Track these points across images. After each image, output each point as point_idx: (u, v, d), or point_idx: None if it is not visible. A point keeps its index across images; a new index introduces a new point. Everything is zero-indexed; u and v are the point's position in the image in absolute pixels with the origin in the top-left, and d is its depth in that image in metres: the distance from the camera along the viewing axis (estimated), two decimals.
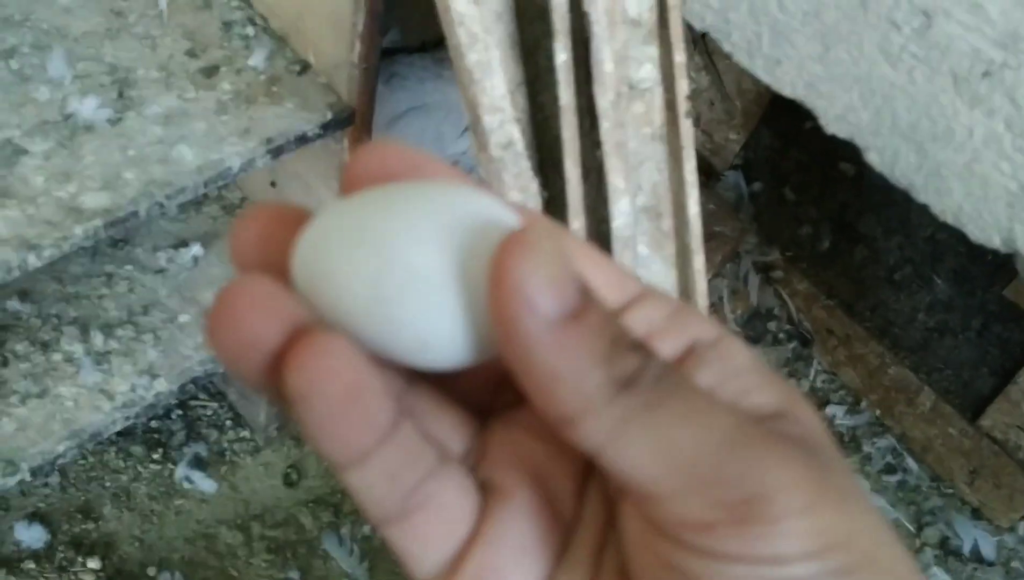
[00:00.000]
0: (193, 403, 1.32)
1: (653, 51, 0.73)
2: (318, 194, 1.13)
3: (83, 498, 1.23)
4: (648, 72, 0.74)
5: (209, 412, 1.32)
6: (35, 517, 1.20)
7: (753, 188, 1.56)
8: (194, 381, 1.11)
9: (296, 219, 0.26)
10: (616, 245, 0.73)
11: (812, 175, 1.48)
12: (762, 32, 0.74)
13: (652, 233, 0.77)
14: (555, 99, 0.76)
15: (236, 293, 0.23)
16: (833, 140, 0.78)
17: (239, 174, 0.95)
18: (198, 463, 1.28)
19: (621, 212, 0.72)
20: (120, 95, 0.95)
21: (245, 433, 1.32)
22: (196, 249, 1.18)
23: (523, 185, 0.68)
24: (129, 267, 1.16)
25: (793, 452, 0.23)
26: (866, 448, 1.44)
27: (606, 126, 0.70)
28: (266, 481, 1.29)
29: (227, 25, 1.05)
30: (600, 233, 0.77)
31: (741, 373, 0.26)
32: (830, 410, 1.46)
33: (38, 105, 0.92)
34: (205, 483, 1.26)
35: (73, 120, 0.92)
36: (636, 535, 0.24)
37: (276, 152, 0.97)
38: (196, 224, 1.22)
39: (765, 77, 0.76)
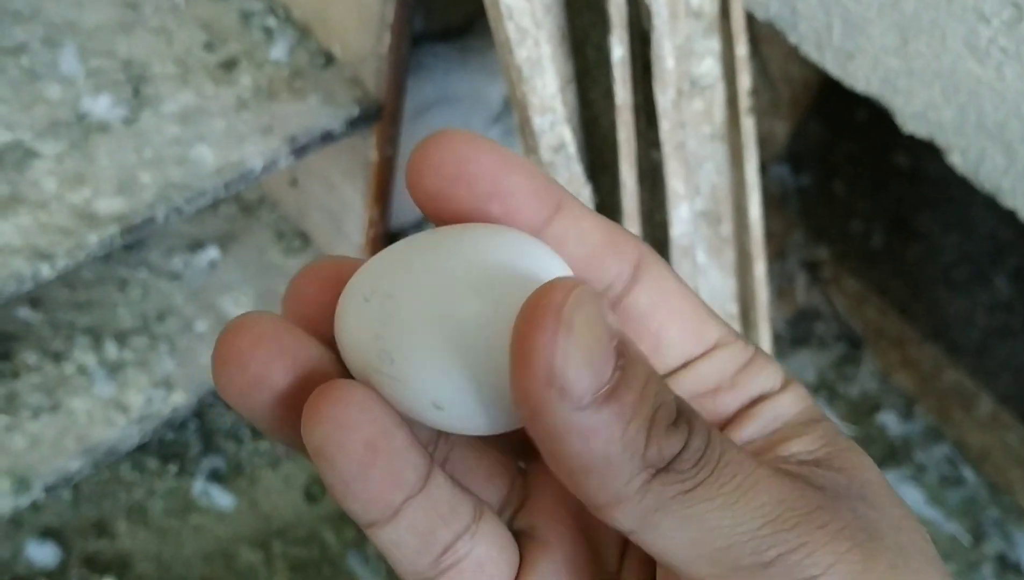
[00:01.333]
0: (210, 414, 1.26)
1: (714, 44, 0.66)
2: (342, 194, 1.07)
3: (97, 514, 1.18)
4: (709, 67, 0.67)
5: (227, 423, 1.26)
6: (47, 534, 1.15)
7: (800, 181, 1.48)
8: (212, 392, 1.05)
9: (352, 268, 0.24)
10: (675, 254, 0.66)
11: (864, 168, 1.41)
12: (833, 23, 0.67)
13: (710, 239, 0.70)
14: (605, 96, 0.69)
15: (240, 330, 0.22)
16: (888, 131, 0.72)
17: (261, 176, 0.89)
18: (216, 477, 1.22)
19: (680, 218, 0.65)
20: (135, 93, 0.89)
21: (264, 445, 1.26)
22: (213, 252, 1.12)
23: (575, 190, 0.61)
24: (143, 271, 1.10)
25: (838, 526, 0.21)
26: (920, 457, 1.37)
27: (666, 126, 0.63)
28: (287, 496, 1.23)
29: (246, 16, 0.98)
30: (655, 240, 0.71)
31: (791, 420, 0.25)
32: (881, 417, 1.39)
33: (49, 104, 0.86)
34: (223, 498, 1.21)
35: (86, 120, 0.86)
36: None
37: (300, 151, 0.90)
38: (212, 225, 1.16)
39: (836, 71, 0.69)
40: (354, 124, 0.93)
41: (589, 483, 0.21)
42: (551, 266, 0.23)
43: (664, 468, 0.21)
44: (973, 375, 1.36)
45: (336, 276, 0.24)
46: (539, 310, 0.19)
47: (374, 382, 0.23)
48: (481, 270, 0.22)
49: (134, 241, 0.95)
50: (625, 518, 0.21)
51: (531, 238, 0.23)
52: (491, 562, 0.24)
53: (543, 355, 0.19)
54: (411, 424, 0.23)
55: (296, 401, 0.22)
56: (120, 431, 0.99)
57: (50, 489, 0.96)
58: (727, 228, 0.71)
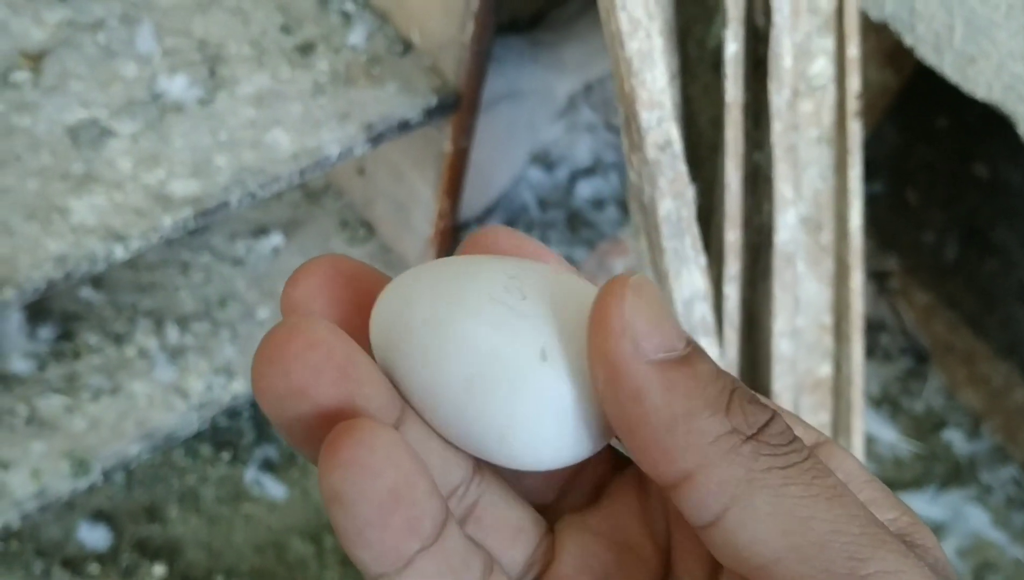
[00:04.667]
0: None
1: (829, 43, 0.63)
2: (411, 185, 1.05)
3: (149, 499, 1.16)
4: (822, 67, 0.64)
5: None
6: (99, 517, 1.14)
7: (872, 189, 1.45)
8: None
9: (358, 275, 0.24)
10: (778, 261, 0.64)
11: (940, 177, 1.37)
12: (955, 24, 0.64)
13: (809, 247, 0.68)
14: (704, 93, 0.67)
15: (292, 333, 0.21)
16: (966, 139, 0.69)
17: (337, 163, 0.87)
18: (268, 467, 1.21)
19: (786, 224, 0.63)
20: (211, 73, 0.87)
21: None
22: (276, 239, 1.11)
23: (678, 191, 0.59)
24: (206, 255, 1.09)
25: (927, 571, 0.20)
26: (986, 478, 1.33)
27: (778, 128, 0.61)
28: None
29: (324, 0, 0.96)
30: (753, 245, 0.68)
31: (852, 483, 0.23)
32: (947, 434, 1.36)
33: (126, 83, 0.85)
34: (275, 488, 1.19)
35: (162, 100, 0.84)
36: None
37: (376, 139, 0.88)
38: (276, 211, 1.14)
39: (954, 76, 0.66)
40: (431, 114, 0.91)
41: (674, 443, 0.20)
42: (589, 286, 0.23)
43: (753, 436, 0.20)
44: None
45: (339, 275, 0.24)
46: (612, 286, 0.21)
47: (425, 411, 0.23)
48: (544, 292, 0.22)
49: (207, 224, 0.94)
50: (715, 490, 0.20)
51: (570, 270, 0.25)
52: None
53: (616, 312, 0.20)
54: (440, 464, 0.23)
55: (336, 419, 0.21)
56: (180, 417, 0.98)
57: (108, 473, 0.95)
58: (827, 236, 0.68)
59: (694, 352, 0.21)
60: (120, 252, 0.77)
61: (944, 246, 1.40)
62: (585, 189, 1.40)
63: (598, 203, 1.39)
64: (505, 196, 1.37)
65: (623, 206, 1.39)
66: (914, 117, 1.34)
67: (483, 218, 1.34)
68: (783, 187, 0.62)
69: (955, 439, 1.35)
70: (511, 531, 0.25)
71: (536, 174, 1.40)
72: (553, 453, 0.23)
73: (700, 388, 0.20)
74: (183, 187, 0.80)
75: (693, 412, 0.20)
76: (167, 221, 0.79)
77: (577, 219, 1.37)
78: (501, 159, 1.33)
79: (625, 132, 0.59)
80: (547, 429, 0.22)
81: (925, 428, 1.36)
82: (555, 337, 0.22)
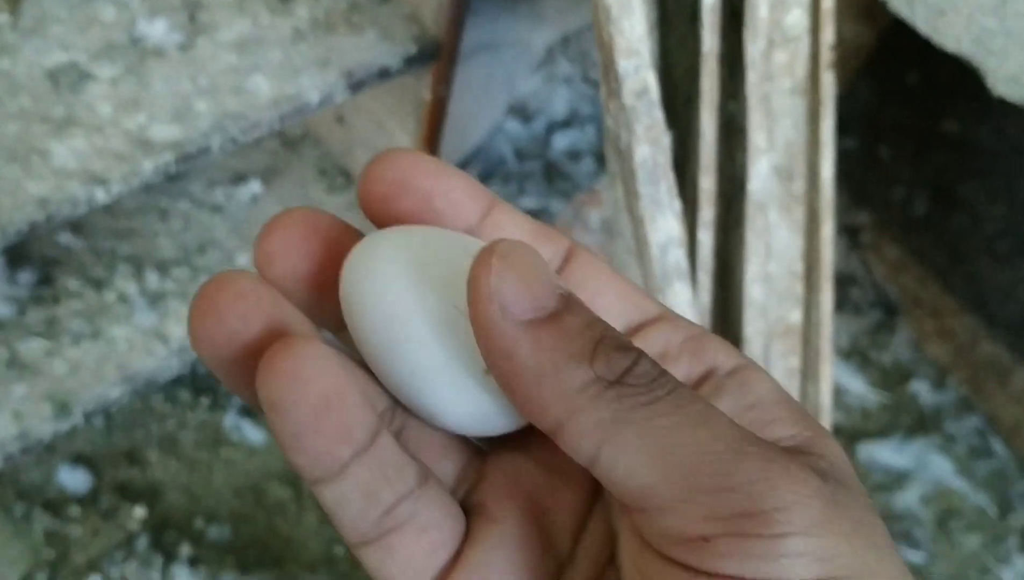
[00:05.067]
0: None
1: None
2: (390, 133, 1.05)
3: (128, 443, 1.17)
4: (797, 18, 0.65)
5: None
6: (80, 461, 1.15)
7: (845, 145, 1.46)
8: None
9: (331, 229, 0.25)
10: (750, 209, 0.65)
11: (911, 134, 1.39)
12: None
13: (781, 196, 0.69)
14: (681, 44, 0.68)
15: (220, 286, 0.23)
16: (938, 97, 0.70)
17: (317, 110, 0.87)
18: (247, 412, 1.22)
19: (759, 173, 0.64)
20: (191, 19, 0.87)
21: None
22: (255, 186, 1.11)
23: (654, 138, 0.60)
24: (185, 202, 1.09)
25: (805, 475, 0.22)
26: (950, 428, 1.36)
27: (753, 78, 0.62)
28: None
29: None
30: (726, 194, 0.69)
31: (762, 403, 0.25)
32: (914, 386, 1.39)
33: (105, 27, 0.85)
34: (254, 434, 1.20)
35: (141, 44, 0.84)
36: (631, 561, 0.23)
37: (356, 86, 0.89)
38: (255, 159, 1.14)
39: (925, 28, 0.68)
40: (411, 62, 0.92)
41: (544, 394, 0.22)
42: None
43: (617, 381, 0.22)
44: (1010, 348, 1.35)
45: (312, 229, 0.25)
46: (482, 255, 0.22)
47: (377, 372, 0.25)
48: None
49: (186, 170, 0.94)
50: (585, 435, 0.21)
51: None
52: (434, 527, 0.24)
53: (484, 281, 0.22)
54: (366, 387, 0.25)
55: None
56: (160, 361, 0.98)
57: (89, 415, 0.96)
58: (799, 186, 0.70)
59: (564, 308, 0.22)
60: (101, 195, 0.77)
61: (914, 202, 1.42)
62: (562, 141, 1.41)
63: (574, 155, 1.40)
64: (482, 147, 1.37)
65: (599, 158, 1.40)
66: (886, 75, 1.36)
67: (461, 168, 1.34)
68: (756, 136, 0.64)
69: (921, 390, 1.38)
70: (440, 448, 0.26)
71: (513, 126, 1.41)
72: (483, 430, 0.25)
73: (566, 342, 0.22)
74: (163, 132, 0.81)
75: (559, 365, 0.22)
76: (148, 165, 0.79)
77: (554, 171, 1.38)
78: (479, 110, 1.33)
79: (603, 79, 0.60)
80: (482, 420, 0.25)
81: (893, 379, 1.39)
82: None
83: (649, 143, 0.59)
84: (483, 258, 0.22)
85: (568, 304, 0.22)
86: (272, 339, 0.22)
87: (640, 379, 0.22)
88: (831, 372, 0.77)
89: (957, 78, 1.14)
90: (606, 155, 0.67)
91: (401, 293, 0.24)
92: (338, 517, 0.23)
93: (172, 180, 1.10)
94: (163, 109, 0.82)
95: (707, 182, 0.64)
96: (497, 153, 1.38)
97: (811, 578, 0.21)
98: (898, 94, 1.38)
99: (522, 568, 0.25)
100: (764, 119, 0.64)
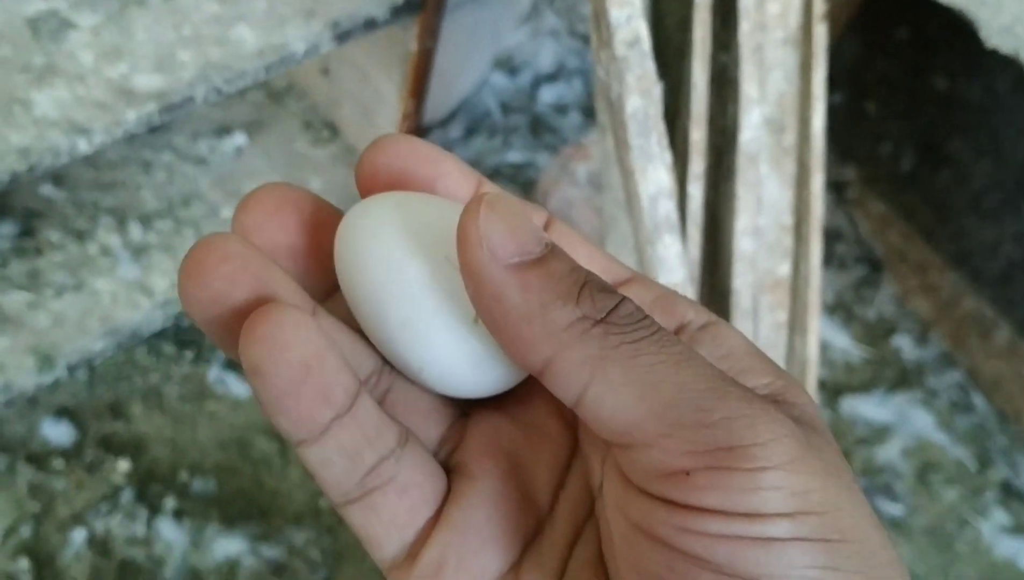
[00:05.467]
0: None
1: None
2: (376, 85, 1.04)
3: (112, 396, 1.17)
4: None
5: None
6: (63, 414, 1.14)
7: (832, 100, 1.46)
8: None
9: (306, 204, 0.26)
10: (741, 160, 0.65)
11: (899, 89, 1.38)
12: None
13: (772, 149, 0.69)
14: None
15: (208, 248, 0.23)
16: (926, 52, 0.70)
17: (303, 60, 0.86)
18: (232, 365, 1.21)
19: (750, 124, 0.64)
20: None
21: None
22: (240, 138, 1.10)
23: (645, 88, 0.59)
24: (168, 154, 1.08)
25: (779, 416, 0.22)
26: (932, 383, 1.37)
27: (745, 28, 0.61)
28: None
29: None
30: (717, 146, 0.69)
31: (734, 354, 0.26)
32: (896, 341, 1.39)
33: None
34: (239, 387, 1.20)
35: None
36: (614, 503, 0.24)
37: (342, 37, 0.88)
38: (239, 111, 1.13)
39: None
40: (398, 12, 0.90)
41: (532, 333, 0.22)
42: None
43: (602, 320, 0.22)
44: (993, 304, 1.36)
45: (289, 202, 0.26)
46: (470, 205, 0.23)
47: (368, 334, 0.25)
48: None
49: (169, 121, 0.93)
50: (572, 372, 0.22)
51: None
52: (415, 487, 0.25)
53: (472, 227, 0.23)
54: (351, 353, 0.25)
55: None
56: (144, 314, 0.98)
57: (73, 368, 0.95)
58: (790, 138, 0.69)
59: (550, 253, 0.23)
60: (83, 145, 0.76)
61: (901, 157, 1.42)
62: (548, 94, 1.40)
63: (561, 108, 1.39)
64: (468, 101, 1.36)
65: (586, 112, 1.39)
66: (875, 30, 1.35)
67: (446, 122, 1.33)
68: (748, 87, 0.63)
69: (904, 345, 1.39)
70: (424, 411, 0.27)
71: (499, 79, 1.39)
72: (469, 389, 0.26)
73: (553, 284, 0.23)
74: (147, 81, 0.80)
75: (546, 305, 0.22)
76: (131, 115, 0.78)
77: (540, 124, 1.37)
78: (464, 64, 1.32)
79: (594, 29, 0.59)
80: (469, 376, 0.25)
81: (876, 334, 1.39)
82: None
83: (640, 94, 0.59)
84: (471, 207, 0.23)
85: (552, 251, 0.23)
86: (259, 303, 0.23)
87: (625, 319, 0.23)
88: (819, 325, 0.77)
89: (946, 33, 1.14)
90: (596, 107, 0.66)
91: (394, 248, 0.24)
92: (321, 477, 0.24)
93: (155, 132, 1.09)
94: (146, 58, 0.81)
95: (698, 134, 0.64)
96: (483, 107, 1.37)
97: (786, 511, 0.21)
98: (886, 49, 1.37)
99: (501, 523, 0.25)
100: (756, 70, 0.63)
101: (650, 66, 0.59)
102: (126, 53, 0.81)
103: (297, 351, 0.22)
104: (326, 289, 0.27)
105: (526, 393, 0.27)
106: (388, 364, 0.26)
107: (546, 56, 1.42)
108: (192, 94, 0.80)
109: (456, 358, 0.25)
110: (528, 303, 0.22)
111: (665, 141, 0.61)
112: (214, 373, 1.20)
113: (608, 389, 0.22)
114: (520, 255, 0.23)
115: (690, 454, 0.22)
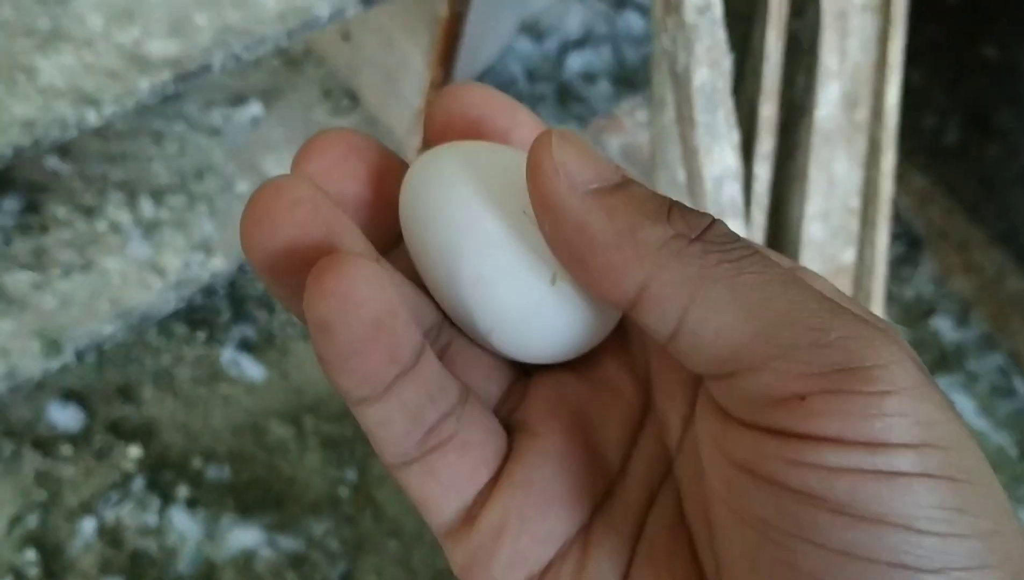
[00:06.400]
0: (242, 279, 1.19)
1: None
2: (402, 52, 0.98)
3: (122, 379, 1.12)
4: None
5: (259, 290, 1.19)
6: (71, 397, 1.09)
7: None
8: None
9: (371, 152, 0.25)
10: (815, 139, 0.59)
11: (946, 57, 1.32)
12: None
13: (842, 124, 0.63)
14: None
15: (278, 191, 0.22)
16: (978, 18, 0.64)
17: (328, 24, 0.80)
18: (246, 346, 1.16)
19: (828, 99, 0.58)
20: None
21: None
22: (255, 108, 1.04)
23: (714, 59, 0.54)
24: (180, 125, 1.02)
25: (897, 338, 0.21)
26: (972, 366, 1.32)
27: None
28: (320, 369, 1.17)
29: None
30: (788, 122, 0.63)
31: (829, 292, 0.23)
32: (935, 322, 1.34)
33: None
34: (253, 369, 1.15)
35: None
36: (710, 447, 0.22)
37: (370, 1, 0.82)
38: (254, 79, 1.07)
39: None
40: None
41: (624, 256, 0.21)
42: None
43: (698, 238, 0.21)
44: None
45: (354, 150, 0.25)
46: (539, 138, 0.22)
47: (433, 289, 0.24)
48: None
49: (182, 91, 0.87)
50: (670, 295, 0.21)
51: None
52: (476, 444, 0.24)
53: (547, 157, 0.21)
54: (414, 307, 0.24)
55: None
56: (156, 295, 0.93)
57: (81, 353, 0.90)
58: (862, 113, 0.63)
59: (627, 179, 0.22)
60: (92, 117, 0.71)
61: (945, 129, 1.36)
62: (576, 62, 1.34)
63: (590, 77, 1.33)
64: (492, 68, 1.30)
65: (616, 80, 1.33)
66: None
67: None
68: (828, 57, 0.57)
69: (944, 327, 1.33)
70: (485, 369, 0.26)
71: (524, 45, 1.33)
72: (543, 354, 0.25)
73: (639, 205, 0.21)
74: (160, 47, 0.74)
75: (636, 226, 0.21)
76: (144, 84, 0.72)
77: (567, 93, 1.31)
78: (488, 28, 1.26)
79: None
80: (543, 341, 0.24)
81: (914, 315, 1.34)
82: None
83: (708, 65, 0.53)
84: (541, 138, 0.22)
85: (629, 177, 0.22)
86: (327, 252, 0.22)
87: (720, 239, 0.21)
88: (882, 315, 0.71)
89: None
90: (652, 78, 0.61)
91: (469, 200, 0.23)
92: (379, 437, 0.23)
93: (167, 101, 1.03)
94: (159, 22, 0.75)
95: (768, 109, 0.58)
96: (507, 74, 1.31)
97: (911, 442, 0.19)
98: (934, 15, 1.31)
99: (568, 483, 0.24)
100: (838, 39, 0.57)
101: (721, 35, 0.53)
102: (138, 16, 0.75)
103: (370, 307, 0.21)
104: (385, 242, 0.25)
105: (594, 351, 0.26)
106: (448, 319, 0.25)
107: (574, 21, 1.36)
108: (209, 61, 0.75)
109: (531, 321, 0.24)
110: (616, 226, 0.21)
111: (733, 119, 0.55)
112: (228, 355, 1.15)
113: (711, 310, 0.20)
114: (599, 181, 0.22)
115: (804, 377, 0.20)
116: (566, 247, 0.22)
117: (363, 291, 0.21)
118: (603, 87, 1.32)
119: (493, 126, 0.25)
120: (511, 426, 0.25)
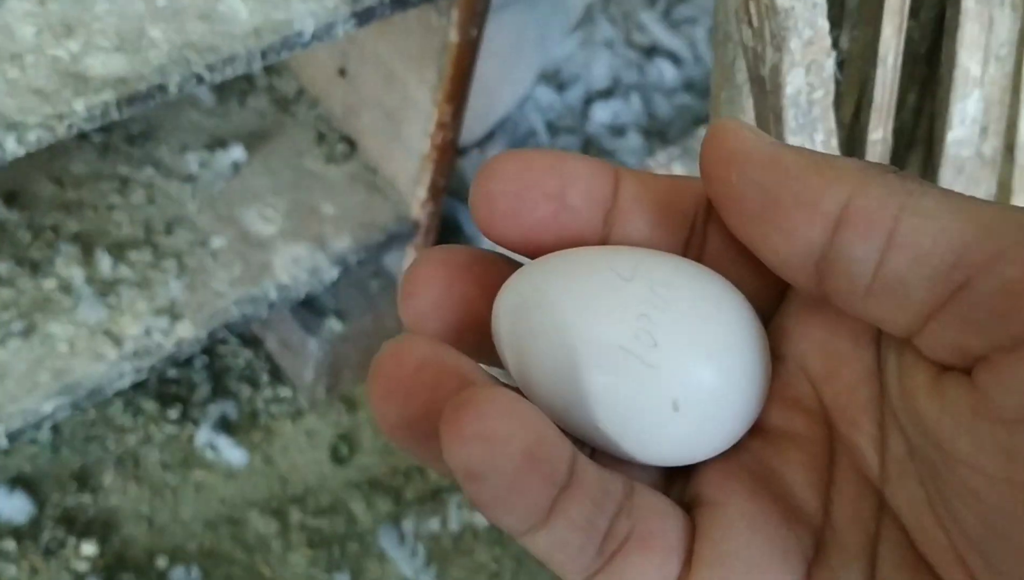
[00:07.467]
0: (222, 349, 1.05)
1: None
2: (404, 88, 0.85)
3: (79, 462, 0.98)
4: None
5: (241, 362, 1.06)
6: (18, 483, 0.95)
7: None
8: (226, 325, 0.85)
9: (475, 265, 0.24)
10: (945, 173, 0.44)
11: None
12: None
13: (974, 154, 0.48)
14: None
15: (397, 359, 0.21)
16: None
17: (311, 43, 0.67)
18: (225, 426, 1.03)
19: (963, 117, 0.44)
20: None
21: (285, 391, 1.05)
22: (237, 152, 0.93)
23: (812, 57, 0.39)
24: (148, 170, 0.90)
25: None
26: None
27: None
28: (309, 455, 1.03)
29: None
30: (893, 157, 0.49)
31: None
32: None
33: None
34: (233, 452, 1.01)
35: None
36: (955, 428, 0.19)
37: (364, 16, 0.69)
38: (238, 120, 0.95)
39: None
40: None
41: (823, 177, 0.20)
42: (723, 287, 0.23)
43: (894, 172, 0.21)
44: None
45: (453, 267, 0.23)
46: (714, 125, 0.22)
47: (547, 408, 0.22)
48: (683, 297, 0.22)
49: (139, 129, 0.74)
50: (878, 207, 0.20)
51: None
52: (656, 535, 0.22)
53: (727, 128, 0.21)
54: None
55: None
56: (108, 367, 0.80)
57: (15, 435, 0.76)
58: (992, 145, 0.49)
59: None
60: (12, 145, 0.57)
61: None
62: (602, 113, 1.22)
63: (617, 129, 1.21)
64: (509, 119, 1.19)
65: (646, 133, 1.21)
66: None
67: (483, 144, 1.15)
68: (967, 59, 0.43)
69: None
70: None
71: (545, 94, 1.22)
72: (678, 457, 0.23)
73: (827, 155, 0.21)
74: (104, 63, 0.61)
75: (830, 157, 0.21)
76: (79, 106, 0.59)
77: (593, 147, 1.20)
78: (506, 76, 1.15)
79: None
80: (674, 453, 0.22)
81: None
82: (687, 386, 0.22)
83: (804, 67, 0.39)
84: (716, 123, 0.22)
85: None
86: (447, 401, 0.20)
87: (915, 177, 0.21)
88: None
89: None
90: (713, 94, 0.47)
91: (569, 322, 0.22)
92: (557, 560, 0.21)
93: (133, 142, 0.90)
94: (105, 35, 0.62)
95: (878, 133, 0.43)
96: (526, 125, 1.19)
97: None
98: None
99: (766, 546, 0.22)
100: (981, 33, 0.43)
101: (823, 24, 0.39)
102: (79, 27, 0.62)
103: (517, 440, 0.19)
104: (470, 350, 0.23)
105: (767, 453, 0.24)
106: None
107: (600, 69, 1.24)
108: (163, 81, 0.61)
109: (662, 436, 0.22)
110: (811, 156, 0.21)
111: (835, 139, 0.41)
112: (203, 436, 1.01)
113: (925, 217, 0.19)
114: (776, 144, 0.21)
115: None
116: (754, 190, 0.21)
117: (504, 425, 0.19)
118: (632, 139, 1.19)
119: (542, 194, 0.23)
120: (687, 504, 0.23)
